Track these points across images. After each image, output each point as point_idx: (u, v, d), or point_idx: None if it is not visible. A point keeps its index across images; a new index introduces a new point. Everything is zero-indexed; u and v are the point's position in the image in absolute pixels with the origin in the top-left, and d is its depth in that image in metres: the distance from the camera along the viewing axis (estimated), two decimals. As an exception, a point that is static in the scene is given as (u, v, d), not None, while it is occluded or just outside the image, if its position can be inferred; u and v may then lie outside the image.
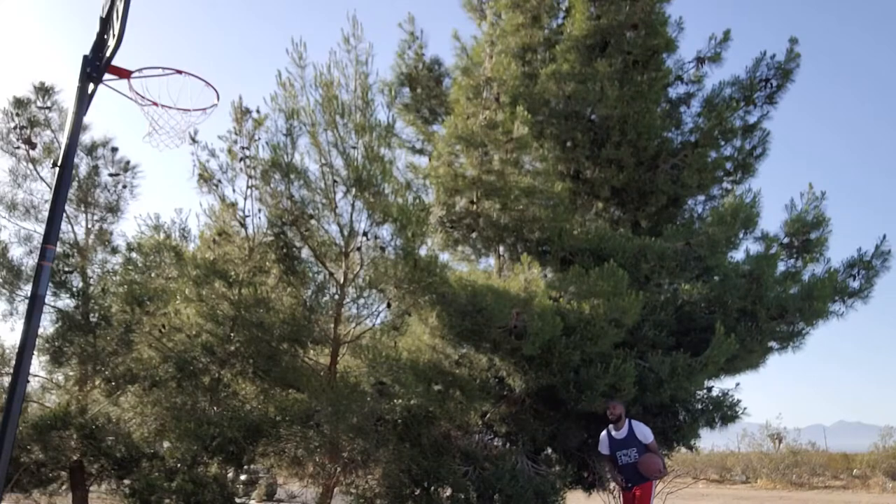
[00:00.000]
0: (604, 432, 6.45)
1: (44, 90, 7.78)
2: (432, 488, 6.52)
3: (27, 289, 7.40)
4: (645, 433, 6.29)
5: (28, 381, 4.00)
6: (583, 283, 6.65)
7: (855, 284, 7.96)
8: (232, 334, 6.76)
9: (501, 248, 8.19)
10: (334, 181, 6.71)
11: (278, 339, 6.63)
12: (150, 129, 4.29)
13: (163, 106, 4.25)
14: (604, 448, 6.44)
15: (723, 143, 8.39)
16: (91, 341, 7.40)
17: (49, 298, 7.34)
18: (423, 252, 6.32)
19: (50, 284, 6.00)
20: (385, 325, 7.29)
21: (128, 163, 8.42)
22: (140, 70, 4.18)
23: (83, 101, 4.00)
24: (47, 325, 7.59)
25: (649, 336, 7.07)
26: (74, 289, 7.73)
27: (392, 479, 6.39)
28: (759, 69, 8.76)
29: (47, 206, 4.96)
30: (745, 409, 7.89)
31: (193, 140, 6.87)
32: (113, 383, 7.48)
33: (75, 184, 7.88)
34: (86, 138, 8.15)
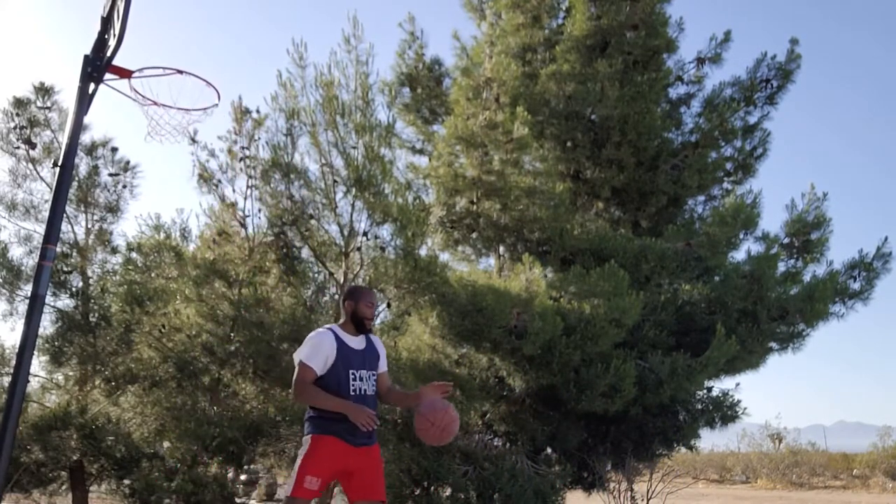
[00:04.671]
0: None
1: (44, 90, 7.78)
2: (432, 488, 6.52)
3: (27, 289, 7.39)
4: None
5: (28, 381, 4.00)
6: (583, 284, 6.65)
7: (855, 286, 7.94)
8: (232, 334, 6.76)
9: (502, 248, 8.18)
10: (334, 181, 6.72)
11: (278, 339, 6.63)
12: (150, 129, 4.29)
13: (163, 106, 4.25)
14: None
15: (723, 143, 8.39)
16: (91, 341, 7.40)
17: (49, 298, 7.33)
18: (423, 252, 6.32)
19: (50, 284, 6.00)
20: (385, 325, 7.29)
21: (128, 163, 8.43)
22: (141, 70, 4.18)
23: (83, 101, 4.00)
24: (47, 325, 7.59)
25: (649, 336, 7.07)
26: (74, 289, 7.73)
27: (392, 479, 6.38)
28: (760, 70, 8.76)
29: (47, 206, 4.96)
30: (745, 409, 7.88)
31: (193, 140, 6.88)
32: (113, 383, 7.47)
33: (75, 184, 7.88)
34: (86, 138, 8.15)
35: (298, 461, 3.55)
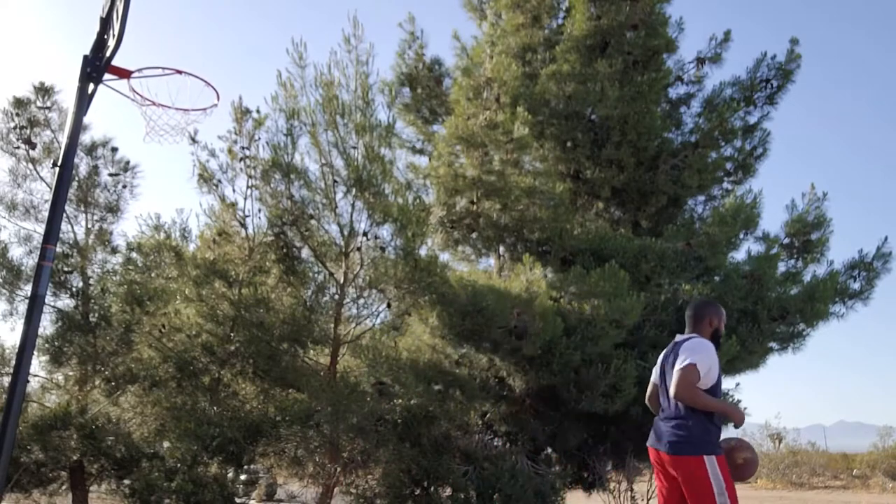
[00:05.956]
0: None
1: (44, 90, 7.76)
2: (432, 488, 6.52)
3: (27, 289, 7.39)
4: None
5: (28, 381, 4.00)
6: (584, 284, 6.65)
7: (856, 286, 7.95)
8: (232, 334, 6.76)
9: (501, 249, 8.18)
10: (334, 181, 6.71)
11: (278, 339, 6.63)
12: (148, 129, 4.29)
13: (162, 106, 4.25)
14: None
15: (723, 143, 8.39)
16: (91, 341, 7.39)
17: (49, 298, 7.32)
18: (423, 252, 6.32)
19: (50, 284, 6.00)
20: (385, 325, 7.29)
21: (128, 163, 8.40)
22: (140, 70, 4.18)
23: (83, 101, 4.00)
24: (47, 325, 7.56)
25: (650, 336, 7.07)
26: (74, 289, 7.71)
27: (392, 479, 6.38)
28: (760, 70, 8.76)
29: (47, 206, 4.95)
30: (745, 409, 7.88)
31: (193, 140, 6.88)
32: (113, 383, 7.46)
33: (75, 184, 7.87)
34: (86, 138, 8.12)
35: (718, 486, 3.50)
